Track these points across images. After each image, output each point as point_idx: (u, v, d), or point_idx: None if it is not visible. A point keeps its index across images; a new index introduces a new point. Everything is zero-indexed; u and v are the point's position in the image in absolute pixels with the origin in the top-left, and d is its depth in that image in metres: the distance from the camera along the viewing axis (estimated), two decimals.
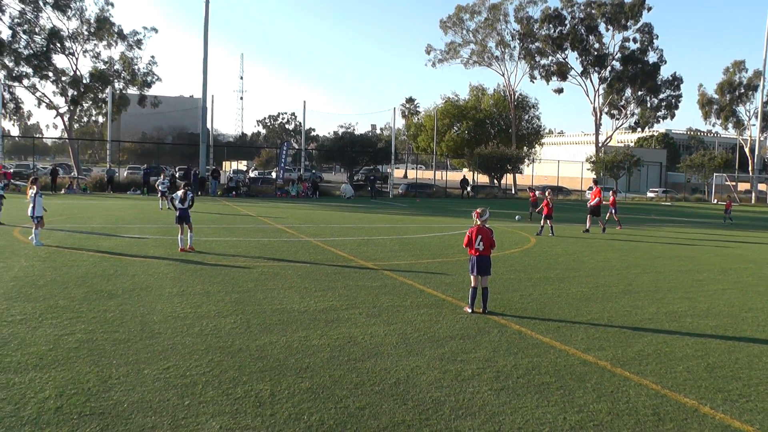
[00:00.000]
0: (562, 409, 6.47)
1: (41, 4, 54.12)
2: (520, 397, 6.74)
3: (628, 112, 75.20)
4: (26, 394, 6.38)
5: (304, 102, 52.80)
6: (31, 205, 17.00)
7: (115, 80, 57.42)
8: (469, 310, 10.59)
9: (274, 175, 56.97)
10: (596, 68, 71.41)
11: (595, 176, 28.76)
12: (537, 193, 29.27)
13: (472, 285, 10.62)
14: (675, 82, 73.52)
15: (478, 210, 10.90)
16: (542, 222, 24.16)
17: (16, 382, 6.71)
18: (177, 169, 56.36)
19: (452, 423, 6.02)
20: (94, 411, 6.03)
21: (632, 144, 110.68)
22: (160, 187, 32.30)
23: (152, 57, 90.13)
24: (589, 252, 19.22)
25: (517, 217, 30.81)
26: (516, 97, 72.38)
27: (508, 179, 67.60)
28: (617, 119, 76.68)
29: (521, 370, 7.64)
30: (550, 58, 71.00)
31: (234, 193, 45.51)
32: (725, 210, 36.43)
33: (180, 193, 16.83)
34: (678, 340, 9.29)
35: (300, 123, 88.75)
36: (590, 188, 27.56)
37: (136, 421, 5.82)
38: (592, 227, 25.96)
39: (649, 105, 74.04)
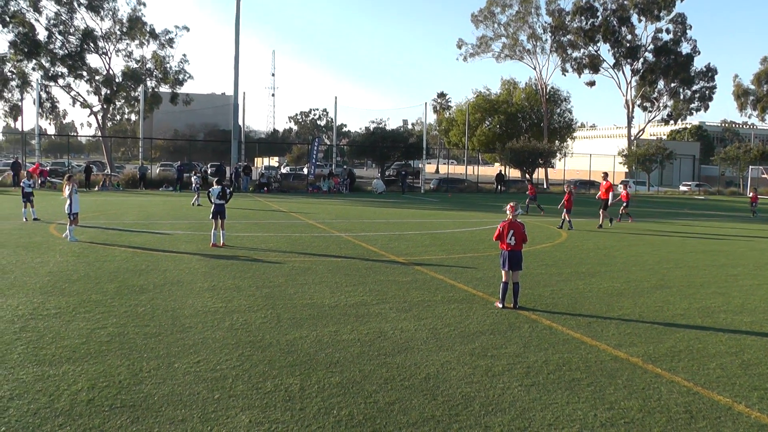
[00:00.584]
0: (592, 405, 6.37)
1: (75, 5, 54.99)
2: (551, 393, 6.65)
3: (661, 105, 74.05)
4: (60, 386, 6.47)
5: (336, 98, 53.04)
6: (68, 201, 17.24)
7: (148, 79, 58.10)
8: (500, 305, 10.50)
9: (305, 170, 57.16)
10: (628, 60, 70.36)
11: (605, 172, 27.62)
12: (565, 187, 28.76)
13: (503, 280, 10.53)
14: (709, 73, 72.14)
15: (512, 204, 10.80)
16: (564, 216, 23.91)
17: (50, 374, 6.81)
18: (209, 166, 56.84)
19: (482, 419, 5.96)
20: (125, 403, 6.09)
21: (665, 137, 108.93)
22: (192, 184, 32.76)
23: (184, 55, 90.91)
24: (621, 246, 18.96)
25: (518, 210, 30.32)
26: (548, 90, 71.70)
27: (539, 174, 67.05)
28: (650, 112, 75.58)
29: (552, 365, 7.55)
30: (581, 50, 70.14)
31: (266, 188, 45.78)
32: (751, 203, 35.78)
33: (217, 188, 16.91)
34: (711, 337, 9.10)
35: (331, 119, 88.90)
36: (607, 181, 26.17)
37: (166, 414, 5.86)
38: (604, 221, 25.26)
39: (682, 97, 72.79)
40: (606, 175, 26.89)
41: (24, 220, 21.49)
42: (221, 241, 16.63)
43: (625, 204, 27.90)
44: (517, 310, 10.34)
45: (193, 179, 33.67)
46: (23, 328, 8.52)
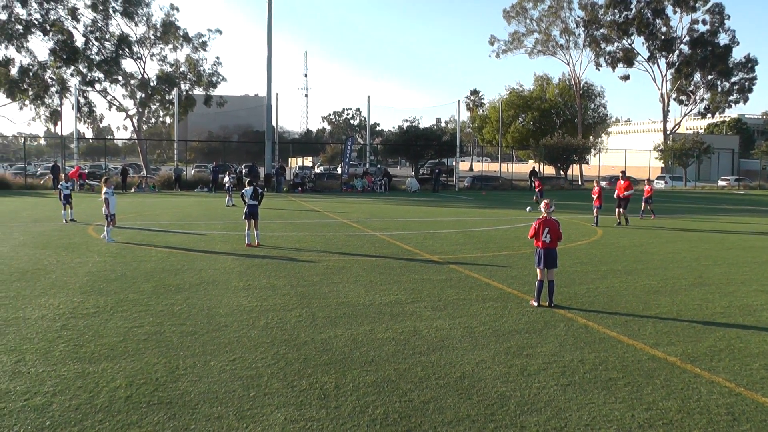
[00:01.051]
0: (629, 406, 6.25)
1: (111, 12, 56.00)
2: (587, 393, 6.56)
3: (698, 98, 72.59)
4: (99, 383, 6.58)
5: (368, 97, 53.37)
6: (105, 203, 17.50)
7: (182, 82, 58.85)
8: (535, 304, 10.41)
9: (339, 170, 57.35)
10: (663, 53, 69.15)
11: (623, 170, 26.68)
12: (595, 183, 28.15)
13: (538, 278, 10.42)
14: (749, 64, 70.43)
15: (547, 200, 10.68)
16: (596, 212, 23.68)
17: (90, 371, 6.93)
18: (243, 167, 57.35)
19: (517, 418, 5.90)
20: (162, 400, 6.16)
21: (702, 131, 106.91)
22: (226, 185, 33.12)
23: (217, 58, 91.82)
24: (658, 243, 18.66)
25: (528, 208, 29.88)
26: (581, 85, 70.92)
27: (574, 170, 66.36)
28: (686, 105, 74.10)
29: (588, 365, 7.45)
30: (615, 44, 69.16)
31: (300, 189, 46.03)
32: None
33: (249, 189, 17.05)
34: (753, 336, 8.87)
35: (365, 118, 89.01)
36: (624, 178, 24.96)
37: (202, 411, 5.91)
38: (629, 218, 24.54)
39: (720, 89, 71.16)
40: (624, 173, 25.86)
41: (64, 221, 21.91)
42: (256, 241, 16.76)
43: (649, 201, 27.15)
44: (553, 308, 10.23)
45: (226, 180, 34.01)
46: (64, 326, 8.69)
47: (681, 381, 6.97)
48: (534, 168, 58.70)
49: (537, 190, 30.50)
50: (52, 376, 6.78)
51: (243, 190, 17.32)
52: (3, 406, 5.97)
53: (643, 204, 26.99)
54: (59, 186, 22.91)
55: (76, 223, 21.55)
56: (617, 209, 24.30)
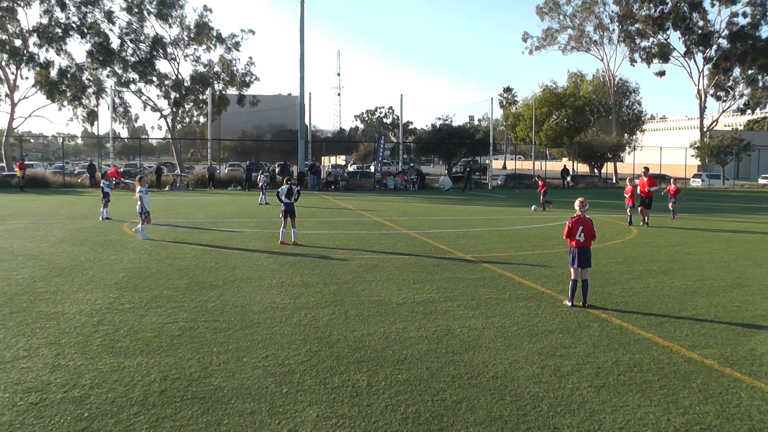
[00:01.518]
0: (665, 409, 6.13)
1: (146, 14, 56.83)
2: (621, 396, 6.45)
3: (737, 93, 70.99)
4: (134, 377, 6.67)
5: (401, 95, 52.92)
6: (139, 201, 17.74)
7: (215, 82, 59.52)
8: (569, 304, 10.29)
9: (372, 168, 57.44)
10: (700, 48, 67.73)
11: (646, 166, 25.10)
12: (628, 181, 27.54)
13: (572, 277, 10.30)
14: None
15: (582, 199, 10.55)
16: (629, 211, 23.34)
17: (125, 365, 7.03)
18: (276, 165, 57.75)
19: (550, 420, 5.83)
20: (196, 395, 6.22)
21: (741, 127, 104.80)
22: (260, 183, 33.45)
23: (250, 58, 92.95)
24: (694, 243, 18.33)
25: (533, 207, 29.56)
26: (616, 82, 70.05)
27: (608, 168, 65.58)
28: (724, 101, 72.51)
29: (622, 366, 7.33)
30: (650, 39, 68.05)
31: (333, 187, 46.19)
32: None
33: (285, 188, 17.17)
34: None
35: (397, 116, 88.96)
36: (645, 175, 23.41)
37: (235, 407, 5.96)
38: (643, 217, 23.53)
39: (761, 84, 69.35)
40: (647, 170, 24.33)
41: (100, 219, 22.29)
42: (292, 239, 16.87)
43: (673, 200, 25.81)
44: (587, 308, 10.11)
45: (260, 178, 34.33)
46: (101, 322, 8.83)
47: (719, 385, 6.80)
48: (565, 166, 58.09)
49: (541, 190, 29.76)
50: (89, 369, 6.90)
51: (279, 189, 17.42)
52: (45, 397, 6.11)
53: (671, 204, 26.18)
54: (101, 184, 23.31)
55: (111, 221, 21.86)
56: (640, 207, 23.18)
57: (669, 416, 5.97)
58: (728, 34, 66.92)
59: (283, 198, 16.96)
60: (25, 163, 44.56)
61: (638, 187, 23.62)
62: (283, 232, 16.95)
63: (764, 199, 42.88)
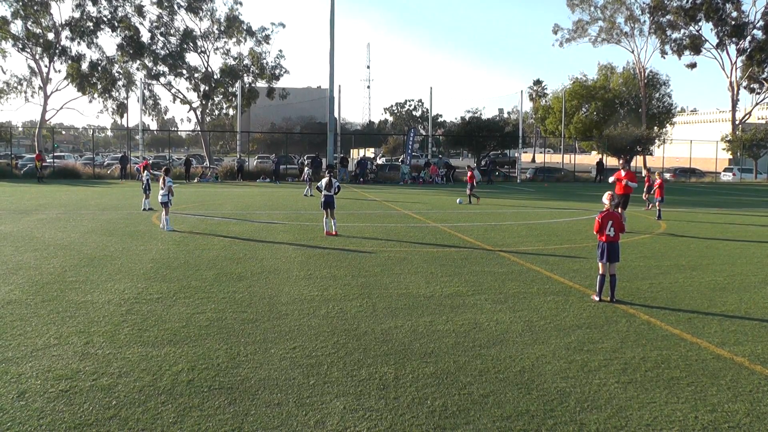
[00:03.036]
0: (693, 407, 6.01)
1: (176, 7, 57.26)
2: (649, 392, 6.35)
3: None
4: (162, 367, 6.71)
5: (431, 88, 52.77)
6: (161, 192, 17.92)
7: (245, 75, 59.77)
8: (597, 299, 10.17)
9: (401, 161, 57.38)
10: (733, 39, 66.33)
11: (626, 158, 21.43)
12: (657, 175, 26.61)
13: (600, 272, 10.17)
14: None
15: (610, 193, 10.41)
16: (658, 205, 22.80)
17: (153, 355, 7.08)
18: (306, 158, 57.95)
19: (577, 416, 5.75)
20: (223, 385, 6.24)
21: None
22: (304, 176, 33.78)
23: (280, 51, 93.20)
24: (724, 238, 18.01)
25: (458, 200, 28.88)
26: (646, 74, 69.09)
27: (638, 161, 64.78)
28: (758, 93, 70.91)
29: (650, 363, 7.22)
30: (682, 31, 66.94)
31: (361, 179, 46.19)
32: None
33: (324, 180, 17.33)
34: None
35: (427, 109, 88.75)
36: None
37: (262, 397, 5.96)
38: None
39: None
40: (627, 162, 20.67)
41: (143, 209, 22.86)
42: (333, 230, 17.10)
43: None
44: (614, 303, 9.97)
45: (305, 170, 34.65)
46: (129, 311, 8.91)
47: (749, 383, 6.67)
48: (600, 159, 57.45)
49: (468, 182, 29.09)
50: (117, 358, 6.96)
51: (319, 182, 17.62)
52: (74, 384, 6.17)
53: (646, 195, 25.19)
54: (143, 177, 23.75)
55: (153, 211, 22.09)
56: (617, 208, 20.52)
57: (697, 413, 5.86)
58: (763, 24, 65.51)
59: (322, 190, 17.26)
60: (56, 154, 45.21)
61: (615, 184, 19.69)
62: (326, 222, 17.32)
63: None
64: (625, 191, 19.06)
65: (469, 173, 29.64)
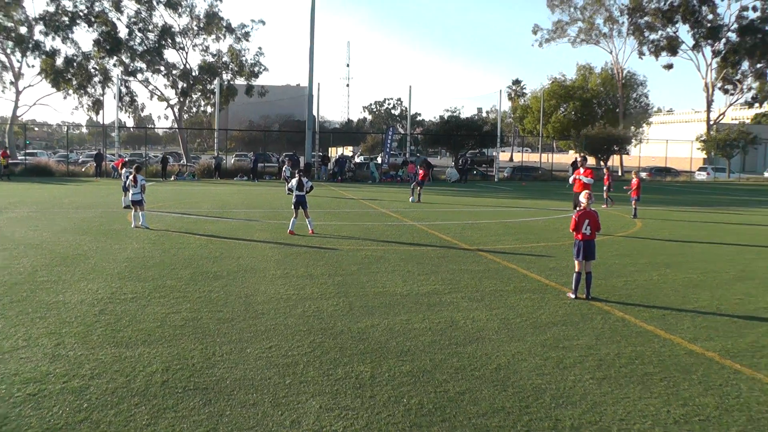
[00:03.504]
0: (666, 401, 6.11)
1: (154, 3, 56.74)
2: (623, 387, 6.43)
3: (745, 87, 70.39)
4: (136, 368, 6.64)
5: (410, 87, 53.08)
6: (133, 190, 17.94)
7: (223, 72, 59.40)
8: (573, 296, 10.24)
9: (379, 160, 57.38)
10: (709, 41, 67.20)
11: (584, 155, 19.97)
12: (633, 174, 26.81)
13: (576, 270, 10.25)
14: None
15: (588, 192, 10.49)
16: (634, 204, 23.10)
17: (127, 355, 7.00)
18: (284, 155, 57.74)
19: (552, 411, 5.81)
20: (198, 386, 6.19)
21: (748, 121, 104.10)
22: (284, 172, 33.82)
23: (259, 48, 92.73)
24: (698, 236, 18.23)
25: (411, 198, 28.88)
26: (624, 74, 69.72)
27: (614, 160, 65.34)
28: (731, 95, 71.94)
29: (624, 359, 7.30)
30: (659, 32, 67.55)
31: (339, 178, 46.13)
32: None
33: (294, 181, 17.21)
34: None
35: (405, 108, 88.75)
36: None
37: (238, 398, 5.92)
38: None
39: None
40: (584, 159, 19.90)
41: (123, 206, 22.69)
42: (310, 229, 17.03)
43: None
44: (590, 300, 10.06)
45: (284, 168, 34.62)
46: (102, 311, 8.80)
47: (720, 377, 6.79)
48: (576, 159, 57.93)
49: (420, 179, 28.88)
50: (90, 359, 6.86)
51: (290, 183, 17.53)
52: (43, 387, 6.07)
53: (605, 193, 25.19)
54: (122, 174, 23.61)
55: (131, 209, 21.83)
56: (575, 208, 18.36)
57: (669, 408, 5.96)
58: (738, 27, 66.43)
59: (294, 190, 17.11)
60: (28, 151, 44.62)
61: (573, 183, 19.30)
62: (293, 222, 17.04)
63: None
64: (583, 189, 17.37)
65: (421, 171, 29.64)
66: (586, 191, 10.53)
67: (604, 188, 27.08)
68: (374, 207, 25.70)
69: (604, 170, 28.15)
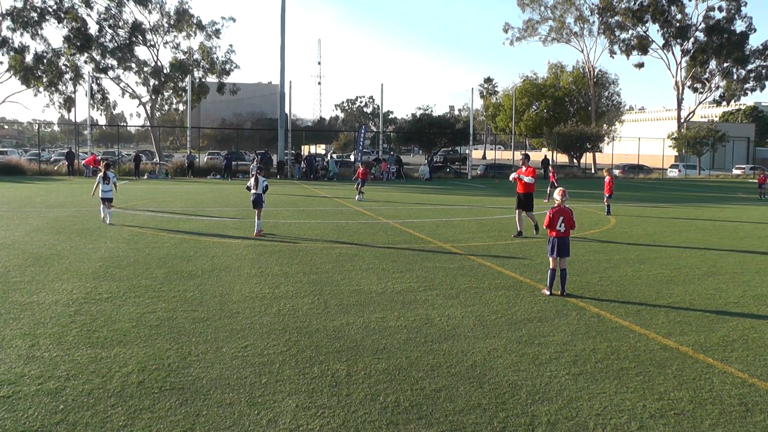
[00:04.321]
0: (641, 396, 6.21)
1: None
2: (599, 383, 6.51)
3: (713, 86, 71.67)
4: (112, 368, 6.61)
5: (382, 85, 52.91)
6: (105, 187, 18.20)
7: (195, 69, 59.02)
8: (548, 293, 10.35)
9: (352, 158, 57.37)
10: (678, 40, 68.32)
11: (526, 153, 17.72)
12: (604, 172, 26.93)
13: (551, 267, 10.36)
14: (766, 51, 69.20)
15: (562, 189, 10.60)
16: (606, 201, 23.48)
17: (102, 356, 6.97)
18: (256, 154, 57.50)
19: (529, 407, 5.87)
20: (174, 386, 6.18)
21: (717, 119, 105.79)
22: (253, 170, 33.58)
23: (230, 46, 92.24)
24: (671, 232, 18.52)
25: (357, 197, 28.59)
26: (595, 73, 70.43)
27: (587, 158, 65.99)
28: (701, 93, 73.25)
29: (600, 354, 7.40)
30: (630, 31, 68.50)
31: (312, 176, 46.08)
32: (759, 185, 34.95)
33: (252, 180, 16.95)
34: (767, 326, 8.81)
35: (378, 106, 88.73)
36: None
37: (214, 397, 5.93)
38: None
39: (735, 77, 70.10)
40: (527, 158, 17.63)
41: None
42: (256, 230, 16.43)
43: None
44: (565, 297, 10.17)
45: (251, 166, 34.50)
46: (77, 312, 8.74)
47: (693, 371, 6.91)
48: (546, 157, 58.40)
49: (361, 178, 28.76)
50: (65, 360, 6.82)
51: (248, 182, 17.24)
52: (18, 389, 6.01)
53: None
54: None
55: (94, 209, 21.66)
56: (518, 210, 17.29)
57: (645, 402, 6.05)
58: (705, 27, 67.61)
59: (251, 189, 16.74)
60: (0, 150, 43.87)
61: (516, 183, 17.37)
62: (258, 222, 16.62)
63: (738, 189, 43.43)
64: (525, 189, 16.90)
65: (360, 169, 29.75)
66: (560, 188, 10.64)
67: (549, 184, 28.45)
68: (348, 205, 25.72)
69: (550, 168, 28.83)
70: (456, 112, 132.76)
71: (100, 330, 7.91)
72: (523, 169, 17.14)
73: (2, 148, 65.69)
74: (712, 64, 70.06)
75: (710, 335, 8.23)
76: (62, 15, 53.63)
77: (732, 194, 37.49)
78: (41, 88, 55.69)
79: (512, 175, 17.40)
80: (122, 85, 59.95)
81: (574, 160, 63.39)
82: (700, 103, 76.55)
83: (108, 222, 17.93)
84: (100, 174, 18.62)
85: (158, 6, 58.03)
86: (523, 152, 17.33)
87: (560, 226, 10.19)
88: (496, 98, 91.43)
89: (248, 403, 5.83)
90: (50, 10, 53.63)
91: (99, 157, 42.61)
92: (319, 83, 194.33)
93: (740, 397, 6.19)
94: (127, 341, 7.49)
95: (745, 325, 8.75)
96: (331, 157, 52.55)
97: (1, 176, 40.59)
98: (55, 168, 47.01)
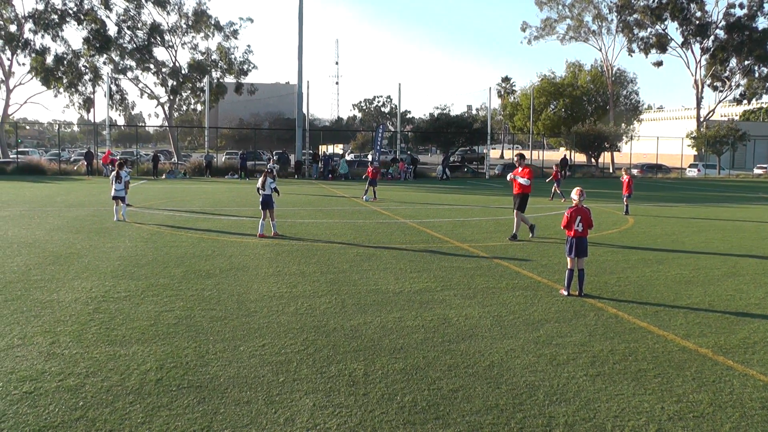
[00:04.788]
0: (659, 398, 6.14)
1: (143, 1, 56.55)
2: (616, 384, 6.45)
3: (733, 84, 70.80)
4: (130, 366, 6.65)
5: (399, 84, 53.12)
6: (118, 185, 18.76)
7: (213, 70, 59.35)
8: (565, 293, 10.29)
9: (369, 157, 57.39)
10: (698, 38, 67.57)
11: (520, 153, 17.04)
12: (623, 171, 26.79)
13: (569, 267, 10.30)
14: None
15: (579, 188, 10.52)
16: (625, 201, 23.44)
17: (121, 354, 7.01)
18: (273, 153, 57.67)
19: (546, 408, 5.83)
20: (192, 384, 6.21)
21: (737, 117, 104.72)
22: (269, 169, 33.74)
23: (248, 46, 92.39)
24: (690, 232, 18.35)
25: (363, 197, 28.34)
26: (613, 72, 69.97)
27: (605, 158, 65.59)
28: (721, 92, 72.43)
29: (618, 355, 7.34)
30: (648, 29, 67.93)
31: (330, 176, 46.12)
32: None
33: (260, 180, 16.59)
34: None
35: (395, 105, 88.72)
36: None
37: (231, 396, 5.94)
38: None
39: (757, 75, 69.07)
40: (522, 157, 16.92)
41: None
42: (272, 231, 16.29)
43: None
44: (583, 297, 10.11)
45: (269, 166, 34.57)
46: (96, 310, 8.81)
47: (713, 373, 6.82)
48: (565, 156, 58.14)
49: (371, 178, 28.30)
50: (84, 357, 6.88)
51: (257, 183, 17.01)
52: (39, 386, 6.07)
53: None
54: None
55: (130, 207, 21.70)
56: (516, 211, 16.53)
57: (663, 404, 5.98)
58: (725, 24, 66.79)
59: (259, 190, 16.38)
60: (20, 149, 44.43)
61: (512, 183, 16.78)
62: (261, 224, 16.29)
63: (759, 188, 42.95)
64: (521, 190, 16.37)
65: (369, 168, 29.57)
66: (578, 188, 10.57)
67: (555, 183, 28.76)
68: (365, 205, 25.73)
69: (554, 166, 28.67)
70: (473, 112, 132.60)
71: (118, 328, 7.97)
72: (519, 169, 16.55)
73: (23, 148, 66.28)
74: (733, 62, 69.18)
75: (730, 337, 8.12)
76: (82, 17, 54.16)
77: (753, 194, 37.06)
78: (61, 89, 56.26)
79: (509, 176, 17.01)
80: (141, 85, 60.50)
81: (592, 160, 63.01)
82: (720, 101, 75.78)
83: (117, 219, 18.43)
84: (113, 173, 19.10)
85: (176, 7, 58.49)
86: (517, 153, 16.66)
87: (578, 225, 10.12)
88: (514, 97, 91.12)
89: (265, 401, 5.84)
90: (71, 12, 54.20)
91: (113, 155, 42.98)
92: (337, 83, 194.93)
93: (762, 401, 6.10)
94: (146, 339, 7.54)
95: (766, 326, 8.64)
96: (342, 157, 52.62)
97: (23, 176, 41.07)
98: (75, 168, 47.43)
